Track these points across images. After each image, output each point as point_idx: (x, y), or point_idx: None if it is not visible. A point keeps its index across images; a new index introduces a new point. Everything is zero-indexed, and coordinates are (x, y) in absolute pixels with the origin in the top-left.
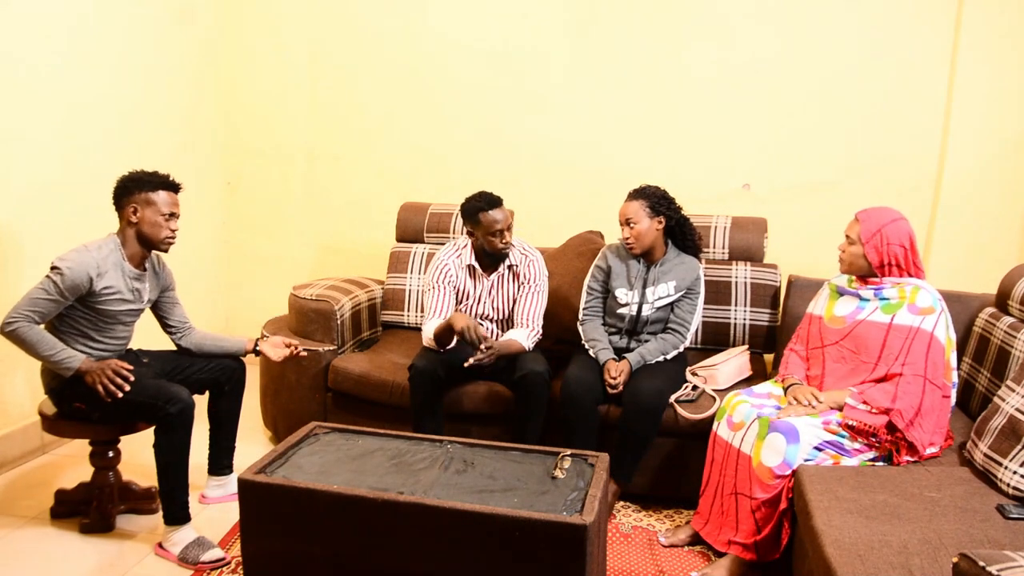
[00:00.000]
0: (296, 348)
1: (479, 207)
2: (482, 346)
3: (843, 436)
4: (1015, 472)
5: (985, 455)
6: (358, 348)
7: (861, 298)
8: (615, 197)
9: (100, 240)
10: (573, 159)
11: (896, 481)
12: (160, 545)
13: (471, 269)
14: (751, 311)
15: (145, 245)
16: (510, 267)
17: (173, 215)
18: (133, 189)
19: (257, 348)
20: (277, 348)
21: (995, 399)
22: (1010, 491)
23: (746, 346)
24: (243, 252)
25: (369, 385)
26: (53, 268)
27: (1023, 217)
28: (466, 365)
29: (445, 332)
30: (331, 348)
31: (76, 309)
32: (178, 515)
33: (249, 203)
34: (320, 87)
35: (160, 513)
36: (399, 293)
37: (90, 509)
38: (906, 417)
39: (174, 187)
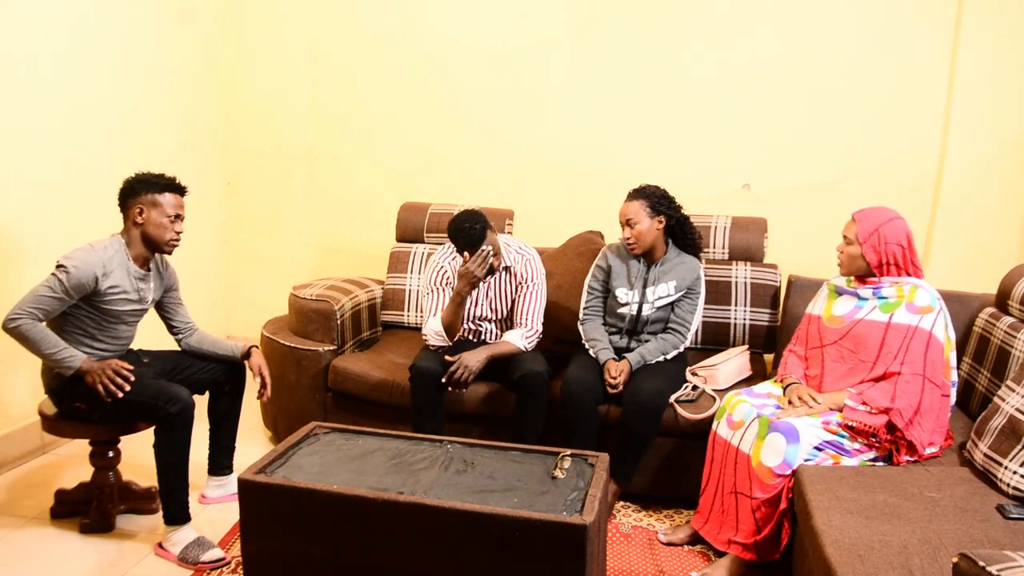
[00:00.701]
0: (264, 391)
1: (459, 247)
2: (448, 358)
3: (843, 436)
4: (1015, 472)
5: (985, 455)
6: (358, 348)
7: (860, 297)
8: (615, 197)
9: (105, 240)
10: (573, 159)
11: (896, 481)
12: (160, 545)
13: None
14: (751, 311)
15: (150, 246)
16: (506, 268)
17: (178, 217)
18: (140, 190)
19: (248, 354)
20: (257, 372)
21: (995, 399)
22: (1010, 491)
23: (746, 346)
24: (243, 252)
25: (369, 385)
26: (59, 266)
27: (1023, 217)
28: (449, 388)
29: (454, 311)
30: (331, 348)
31: (80, 308)
32: (178, 515)
33: (249, 203)
34: (320, 87)
35: (160, 513)
36: (399, 293)
37: (90, 509)
38: (905, 416)
39: (180, 189)
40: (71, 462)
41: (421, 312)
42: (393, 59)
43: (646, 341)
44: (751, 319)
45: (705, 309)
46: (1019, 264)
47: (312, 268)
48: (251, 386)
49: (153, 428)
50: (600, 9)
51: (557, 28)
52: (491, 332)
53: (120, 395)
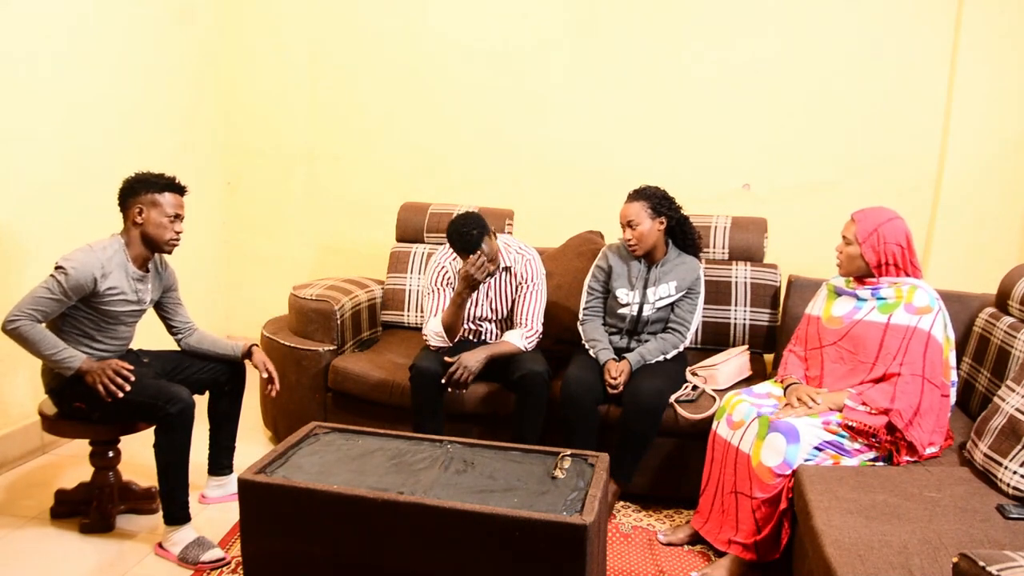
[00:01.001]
0: (272, 386)
1: (457, 250)
2: (447, 358)
3: (843, 436)
4: (1015, 472)
5: (985, 455)
6: (358, 348)
7: (859, 298)
8: (615, 197)
9: (104, 240)
10: (573, 159)
11: (896, 481)
12: (160, 545)
13: None
14: (751, 311)
15: (149, 246)
16: (506, 268)
17: (178, 217)
18: (139, 190)
19: (250, 352)
20: (263, 368)
21: (995, 399)
22: (1010, 491)
23: (746, 346)
24: (243, 252)
25: (369, 385)
26: (58, 267)
27: (1023, 217)
28: (449, 389)
29: (454, 312)
30: (331, 348)
31: (79, 309)
32: (178, 515)
33: (249, 203)
34: (320, 87)
35: (160, 513)
36: (399, 293)
37: (90, 509)
38: (905, 417)
39: (180, 189)
40: (71, 462)
41: (421, 312)
42: (393, 59)
43: (646, 341)
44: (751, 319)
45: (705, 309)
46: (1019, 264)
47: (312, 268)
48: (252, 386)
49: (153, 428)
50: (600, 9)
51: (557, 28)
52: (491, 332)
53: (120, 395)
